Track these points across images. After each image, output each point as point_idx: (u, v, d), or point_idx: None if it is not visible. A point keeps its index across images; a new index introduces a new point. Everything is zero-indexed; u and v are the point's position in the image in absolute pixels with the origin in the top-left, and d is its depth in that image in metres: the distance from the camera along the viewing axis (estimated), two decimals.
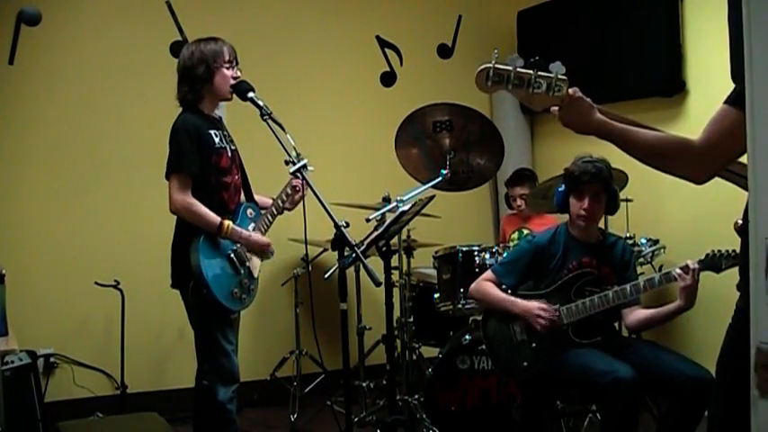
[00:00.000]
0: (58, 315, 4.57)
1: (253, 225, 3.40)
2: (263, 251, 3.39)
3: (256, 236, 3.35)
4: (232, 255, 3.26)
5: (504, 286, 3.38)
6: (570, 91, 2.05)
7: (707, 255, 3.08)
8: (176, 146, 3.21)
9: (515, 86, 2.04)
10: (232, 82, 3.30)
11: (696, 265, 3.06)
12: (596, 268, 3.31)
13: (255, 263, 3.39)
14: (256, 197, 3.53)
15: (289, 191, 3.46)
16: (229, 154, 3.34)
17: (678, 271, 3.08)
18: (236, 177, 3.39)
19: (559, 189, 3.37)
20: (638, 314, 3.31)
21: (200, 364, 3.30)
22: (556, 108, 2.09)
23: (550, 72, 2.03)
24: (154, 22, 4.71)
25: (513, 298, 3.34)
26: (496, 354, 3.43)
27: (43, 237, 4.59)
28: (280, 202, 3.46)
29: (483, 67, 2.04)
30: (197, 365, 3.32)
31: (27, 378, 3.79)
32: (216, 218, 3.20)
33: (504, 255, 3.71)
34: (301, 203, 3.31)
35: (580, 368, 3.12)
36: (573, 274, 3.29)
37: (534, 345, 3.29)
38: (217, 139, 3.28)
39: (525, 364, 3.30)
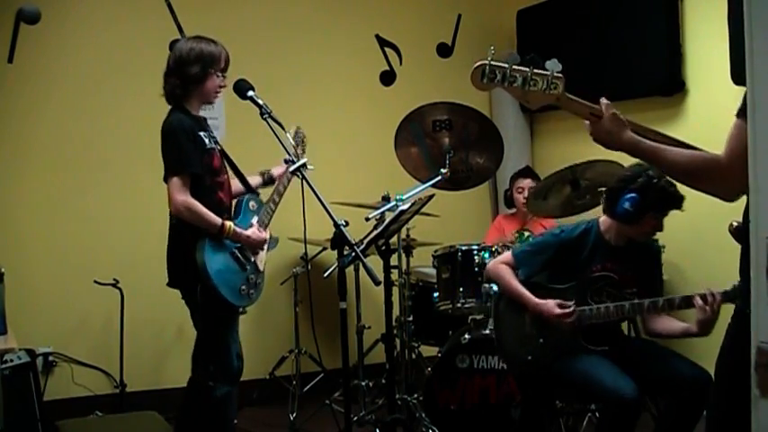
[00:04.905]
0: (57, 314, 4.57)
1: (256, 218, 3.41)
2: (263, 247, 3.39)
3: (255, 234, 3.33)
4: (236, 252, 3.26)
5: (519, 272, 3.29)
6: (603, 107, 2.04)
7: (733, 286, 2.82)
8: (176, 146, 3.16)
9: (511, 84, 2.01)
10: (218, 90, 3.29)
11: (718, 297, 2.92)
12: (619, 273, 3.20)
13: (261, 255, 3.40)
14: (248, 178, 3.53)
15: (289, 175, 3.42)
16: (218, 154, 3.33)
17: (699, 301, 2.95)
18: (226, 176, 3.38)
19: (631, 196, 3.06)
20: (660, 325, 3.23)
21: (205, 364, 3.29)
22: (587, 123, 2.07)
23: (546, 70, 2.00)
24: (153, 21, 4.70)
25: (529, 295, 3.22)
26: (502, 339, 3.36)
27: (42, 235, 4.58)
28: (281, 187, 3.46)
29: (479, 63, 2.01)
30: (197, 365, 3.31)
31: (26, 377, 3.79)
32: (217, 219, 3.18)
33: (529, 241, 3.55)
34: (301, 203, 3.31)
35: (584, 376, 3.09)
36: (593, 276, 3.19)
37: (542, 341, 3.23)
38: (207, 140, 3.27)
39: (529, 357, 3.25)
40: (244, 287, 3.26)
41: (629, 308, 3.10)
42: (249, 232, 3.32)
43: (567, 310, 3.15)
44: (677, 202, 3.08)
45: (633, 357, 3.10)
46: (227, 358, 3.28)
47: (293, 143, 3.41)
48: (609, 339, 3.19)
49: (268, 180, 3.59)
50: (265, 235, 3.40)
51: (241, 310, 3.37)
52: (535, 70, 2.00)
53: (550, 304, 3.18)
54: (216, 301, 3.17)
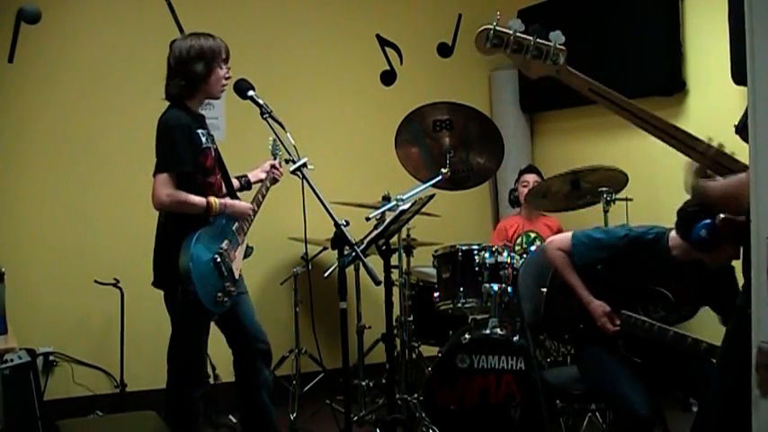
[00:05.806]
0: (57, 313, 4.57)
1: (236, 225, 3.39)
2: (248, 216, 3.40)
3: (239, 203, 3.37)
4: (218, 258, 3.24)
5: (573, 259, 3.20)
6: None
7: None
8: (171, 143, 3.15)
9: (513, 51, 2.03)
10: (224, 83, 3.29)
11: None
12: (677, 292, 3.05)
13: (237, 264, 3.38)
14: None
15: (268, 184, 3.55)
16: (212, 153, 3.31)
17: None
18: (218, 177, 3.38)
19: (708, 222, 2.75)
20: None
21: (179, 368, 3.30)
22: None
23: (549, 41, 2.01)
24: (153, 20, 4.71)
25: (583, 290, 3.15)
26: (549, 308, 3.32)
27: (42, 235, 4.58)
28: (260, 196, 3.50)
29: (483, 28, 2.05)
30: (172, 369, 3.31)
31: (26, 376, 3.79)
32: (202, 199, 3.19)
33: (592, 234, 3.28)
34: (301, 203, 3.30)
35: (605, 374, 3.09)
36: (649, 289, 3.08)
37: (582, 326, 3.20)
38: (204, 139, 3.25)
39: (566, 336, 3.32)
40: (220, 295, 3.23)
41: (673, 336, 2.96)
42: (233, 201, 3.34)
43: (612, 327, 3.08)
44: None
45: (667, 367, 3.07)
46: (200, 362, 3.31)
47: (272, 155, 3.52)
48: (646, 354, 3.08)
49: (245, 185, 3.61)
50: (249, 204, 3.42)
51: (214, 318, 3.33)
52: (538, 40, 2.01)
53: (599, 310, 3.11)
54: (194, 305, 3.15)
